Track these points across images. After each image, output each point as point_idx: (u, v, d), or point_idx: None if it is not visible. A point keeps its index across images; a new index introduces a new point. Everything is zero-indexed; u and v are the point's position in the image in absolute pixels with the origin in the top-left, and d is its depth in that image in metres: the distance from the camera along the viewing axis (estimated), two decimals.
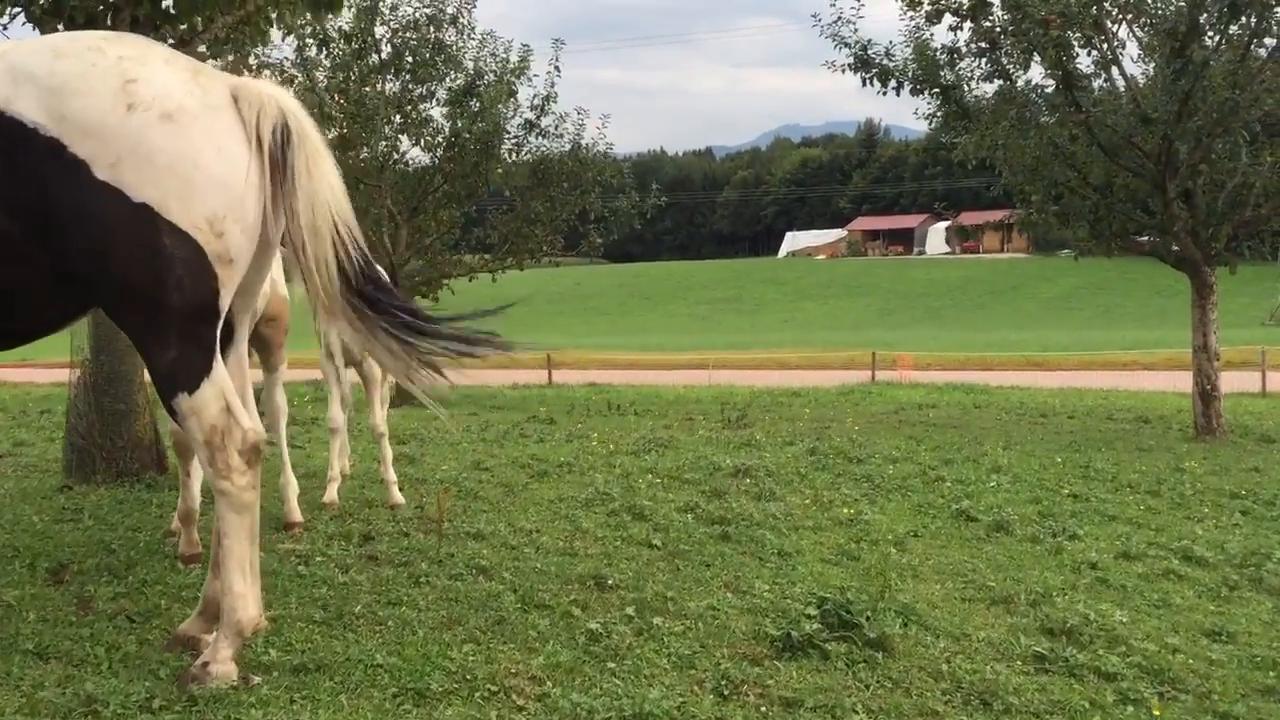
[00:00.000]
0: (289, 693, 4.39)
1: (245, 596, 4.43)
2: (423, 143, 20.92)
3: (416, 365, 4.60)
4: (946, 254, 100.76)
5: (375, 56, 20.63)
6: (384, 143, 20.41)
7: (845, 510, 8.78)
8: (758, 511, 8.51)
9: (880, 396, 23.70)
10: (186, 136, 4.14)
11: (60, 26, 7.73)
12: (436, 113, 21.18)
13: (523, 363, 36.47)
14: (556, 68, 21.14)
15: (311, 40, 20.55)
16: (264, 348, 7.29)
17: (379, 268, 4.73)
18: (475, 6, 21.01)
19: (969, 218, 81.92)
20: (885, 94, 17.58)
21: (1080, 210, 16.32)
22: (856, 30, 17.31)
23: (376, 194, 20.49)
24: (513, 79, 21.10)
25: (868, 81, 17.53)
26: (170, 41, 7.81)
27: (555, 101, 21.32)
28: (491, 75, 21.04)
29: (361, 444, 10.66)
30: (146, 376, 6.16)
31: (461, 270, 21.84)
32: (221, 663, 4.38)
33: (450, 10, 20.85)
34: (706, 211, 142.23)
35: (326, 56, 20.82)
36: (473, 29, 21.05)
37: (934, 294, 79.71)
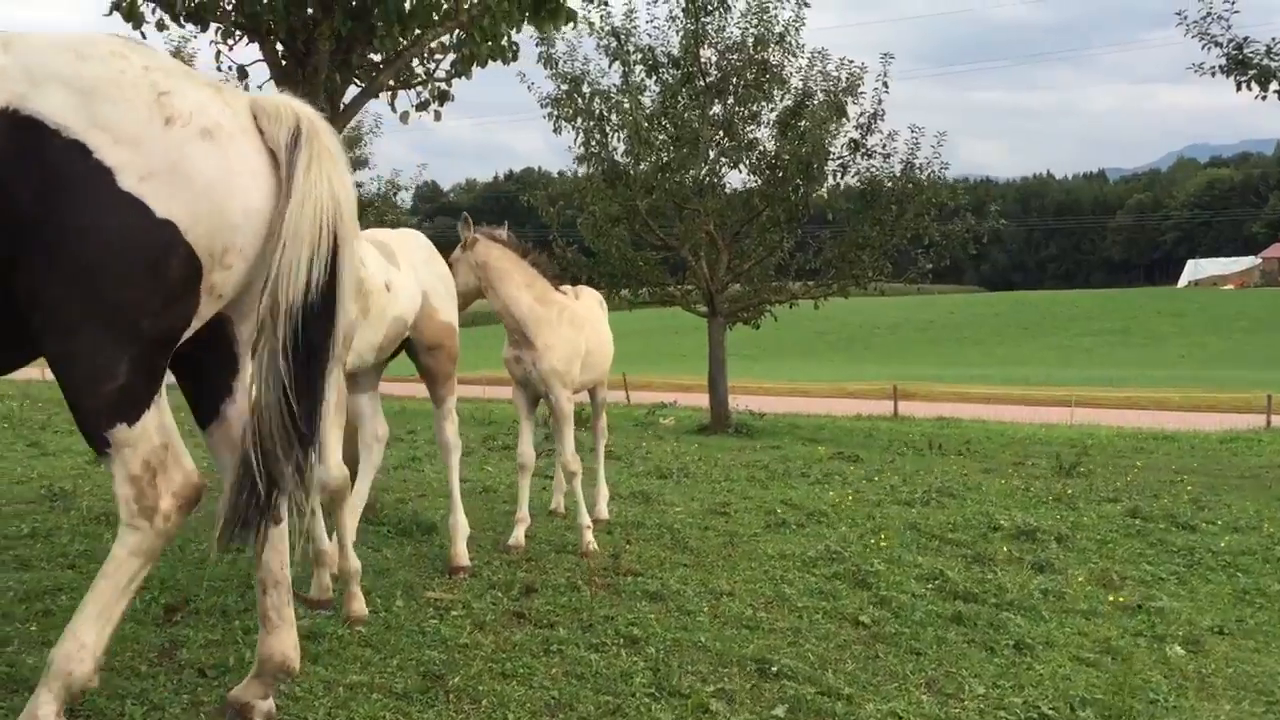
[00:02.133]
0: None
1: (88, 649, 3.76)
2: (744, 166, 20.34)
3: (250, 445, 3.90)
4: None
5: (701, 80, 20.34)
6: (705, 166, 20.03)
7: (1135, 591, 7.10)
8: (1016, 587, 7.01)
9: (1270, 446, 20.50)
10: (225, 158, 3.78)
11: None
12: (762, 134, 20.59)
13: (870, 393, 35.17)
14: (885, 84, 19.98)
15: (640, 66, 20.61)
16: (429, 379, 6.76)
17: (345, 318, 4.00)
18: (803, 25, 20.24)
19: None
20: (1264, 99, 15.19)
21: None
22: (1230, 27, 15.12)
23: (696, 218, 20.16)
24: (843, 98, 20.14)
25: (1243, 86, 15.29)
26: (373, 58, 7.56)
27: (883, 119, 20.13)
28: (820, 95, 20.24)
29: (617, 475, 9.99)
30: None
31: (783, 297, 20.98)
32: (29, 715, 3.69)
33: (778, 29, 20.22)
34: (1096, 237, 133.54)
35: (656, 82, 20.78)
36: (800, 47, 20.30)
37: None
